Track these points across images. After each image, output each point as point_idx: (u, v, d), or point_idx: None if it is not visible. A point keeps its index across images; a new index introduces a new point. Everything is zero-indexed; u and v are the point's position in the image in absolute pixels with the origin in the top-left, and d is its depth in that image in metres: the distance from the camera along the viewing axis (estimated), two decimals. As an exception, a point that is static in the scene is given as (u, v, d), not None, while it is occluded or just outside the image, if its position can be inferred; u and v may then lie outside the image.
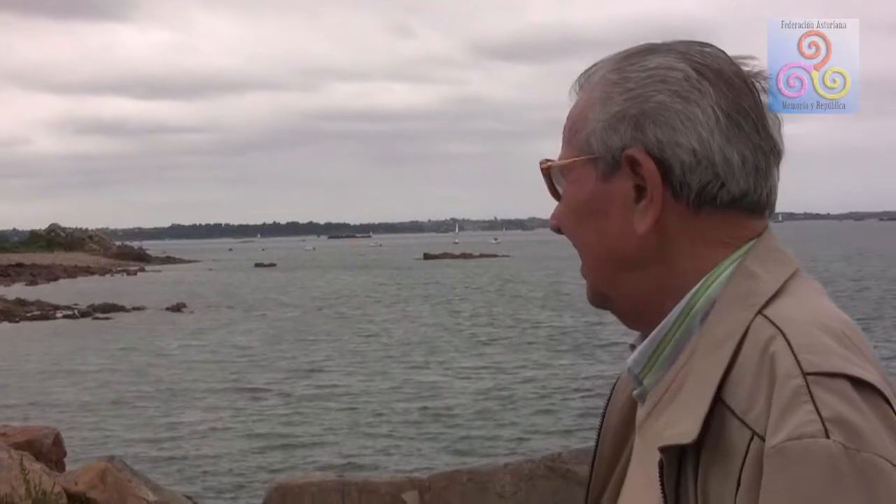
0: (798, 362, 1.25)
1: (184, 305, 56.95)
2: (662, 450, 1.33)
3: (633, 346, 1.56)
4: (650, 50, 1.49)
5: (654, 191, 1.43)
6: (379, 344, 37.22)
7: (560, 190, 1.57)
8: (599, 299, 1.56)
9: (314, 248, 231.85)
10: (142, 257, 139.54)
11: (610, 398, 1.71)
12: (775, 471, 1.21)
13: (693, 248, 1.45)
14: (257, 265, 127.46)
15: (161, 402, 25.12)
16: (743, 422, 1.27)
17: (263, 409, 23.98)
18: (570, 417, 21.88)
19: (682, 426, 1.33)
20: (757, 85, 1.48)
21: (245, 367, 31.69)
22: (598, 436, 1.71)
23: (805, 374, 1.24)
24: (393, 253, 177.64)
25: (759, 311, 1.36)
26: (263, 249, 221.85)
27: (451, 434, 20.59)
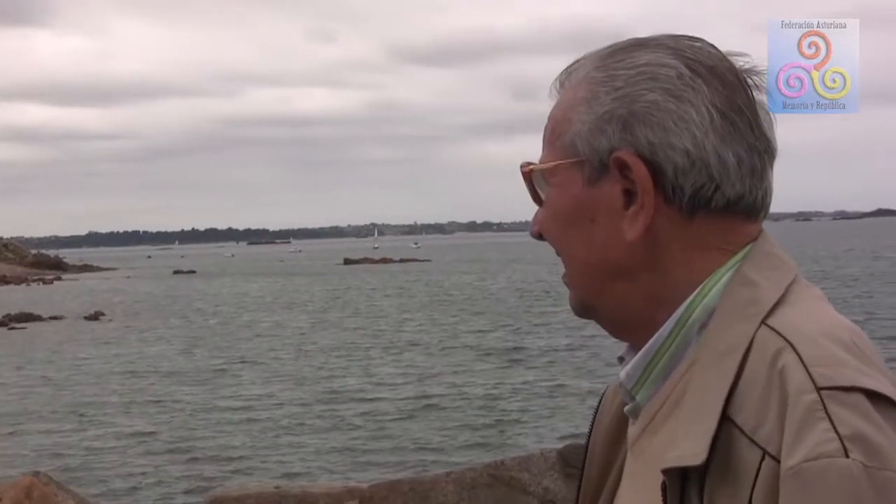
0: (811, 376, 1.18)
1: (102, 314, 56.35)
2: (666, 471, 1.25)
3: (621, 359, 1.49)
4: (637, 45, 1.41)
5: (646, 195, 1.35)
6: (301, 351, 37.00)
7: (542, 195, 1.48)
8: (584, 309, 1.48)
9: (233, 255, 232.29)
10: (59, 266, 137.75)
11: (596, 414, 1.65)
12: (794, 493, 1.14)
13: (686, 256, 1.37)
14: (176, 272, 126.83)
15: (82, 413, 24.71)
16: (752, 440, 1.20)
17: (187, 419, 23.66)
18: (511, 424, 21.86)
19: (688, 447, 1.24)
20: (750, 81, 1.40)
21: (167, 376, 31.32)
22: (585, 454, 1.65)
23: (819, 389, 1.17)
24: (313, 258, 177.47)
25: (763, 322, 1.28)
26: (182, 256, 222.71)
27: (389, 442, 20.49)
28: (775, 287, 1.33)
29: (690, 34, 1.44)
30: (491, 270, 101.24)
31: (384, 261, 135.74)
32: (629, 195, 1.36)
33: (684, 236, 1.36)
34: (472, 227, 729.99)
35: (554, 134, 1.45)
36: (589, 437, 1.64)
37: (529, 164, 1.49)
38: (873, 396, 1.17)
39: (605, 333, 1.49)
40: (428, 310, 54.09)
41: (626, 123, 1.36)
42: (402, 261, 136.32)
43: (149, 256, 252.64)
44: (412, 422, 22.34)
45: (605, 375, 27.26)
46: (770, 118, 1.41)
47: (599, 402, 1.65)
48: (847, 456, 1.12)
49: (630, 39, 1.44)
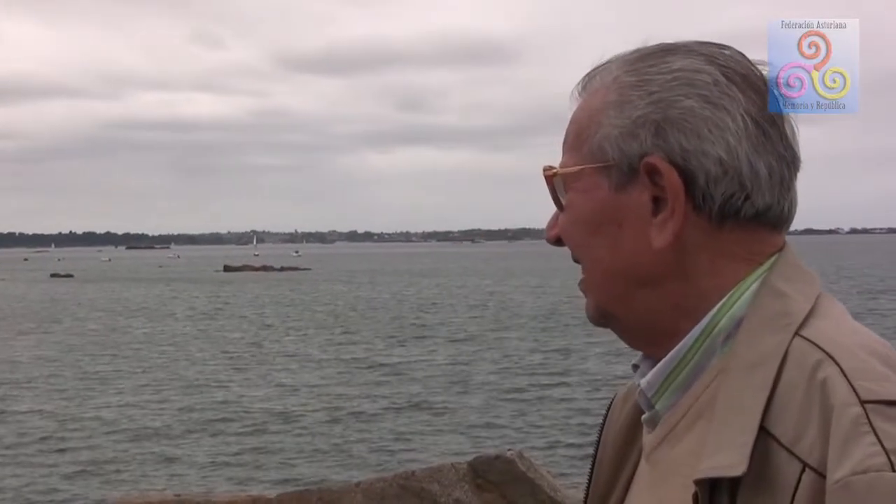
0: (854, 389, 1.17)
1: (-26, 317, 55.06)
2: (699, 482, 1.22)
3: (635, 367, 1.48)
4: (668, 50, 1.40)
5: (676, 203, 1.33)
6: (183, 360, 36.51)
7: (563, 200, 1.45)
8: (602, 317, 1.46)
9: (110, 259, 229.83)
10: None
11: (605, 421, 1.63)
12: None
13: (714, 265, 1.35)
14: (53, 276, 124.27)
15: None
16: (791, 452, 1.18)
17: (75, 427, 23.14)
18: (425, 432, 21.87)
19: (724, 457, 1.22)
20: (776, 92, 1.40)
21: (47, 382, 30.69)
22: (594, 462, 1.63)
23: (863, 403, 1.15)
24: (192, 265, 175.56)
25: (797, 333, 1.26)
26: (60, 260, 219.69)
27: (300, 449, 20.34)
28: (805, 299, 1.32)
29: (718, 42, 1.43)
30: (374, 281, 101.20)
31: (265, 269, 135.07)
32: (658, 202, 1.35)
33: (712, 245, 1.35)
34: (352, 236, 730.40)
35: (578, 137, 1.43)
36: (598, 444, 1.62)
37: (552, 167, 1.47)
38: None
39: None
40: (310, 321, 53.82)
41: (660, 129, 1.35)
42: (282, 269, 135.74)
43: (25, 259, 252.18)
44: (306, 431, 22.20)
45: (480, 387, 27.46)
46: (794, 129, 1.41)
47: (608, 410, 1.63)
48: (894, 470, 1.11)
49: (658, 44, 1.42)
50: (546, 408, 24.00)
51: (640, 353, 1.48)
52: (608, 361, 31.63)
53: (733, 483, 1.21)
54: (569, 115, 1.47)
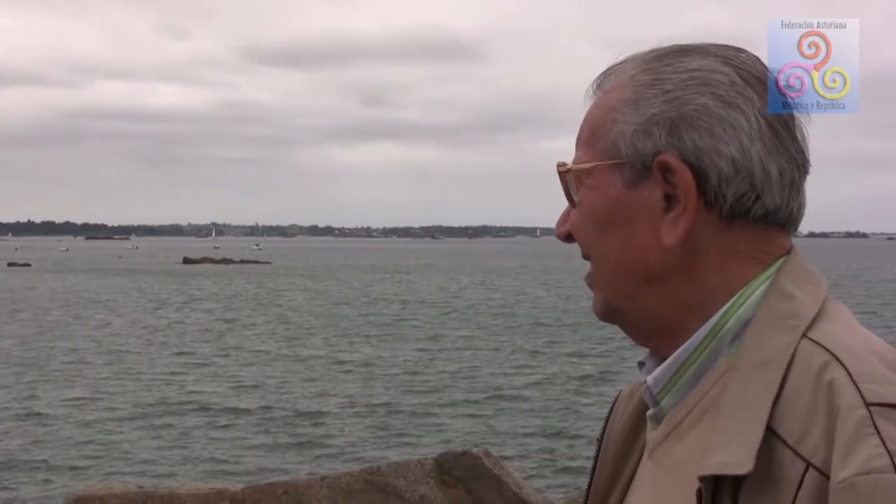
0: (860, 392, 1.18)
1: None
2: (703, 478, 1.24)
3: (641, 364, 1.50)
4: (684, 51, 1.42)
5: (689, 200, 1.35)
6: (146, 351, 36.32)
7: (575, 196, 1.47)
8: (610, 313, 1.48)
9: (67, 249, 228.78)
10: None
11: (609, 417, 1.64)
12: None
13: (723, 264, 1.37)
14: (10, 265, 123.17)
15: None
16: (796, 452, 1.20)
17: (34, 421, 22.94)
18: (389, 426, 21.89)
19: (729, 455, 1.24)
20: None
21: (12, 367, 30.64)
22: (596, 457, 1.64)
23: (868, 405, 1.17)
24: (152, 256, 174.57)
25: (804, 335, 1.28)
26: (17, 249, 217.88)
27: (263, 444, 20.29)
28: (813, 301, 1.34)
29: (735, 45, 1.45)
30: (334, 276, 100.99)
31: (225, 261, 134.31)
32: (669, 199, 1.37)
33: (722, 244, 1.37)
34: (313, 230, 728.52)
35: (594, 135, 1.45)
36: (601, 440, 1.63)
37: (565, 163, 1.48)
38: None
39: (622, 332, 1.47)
40: (271, 315, 53.64)
41: (674, 127, 1.36)
42: (242, 262, 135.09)
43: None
44: (270, 427, 22.14)
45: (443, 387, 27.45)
46: (805, 132, 1.43)
47: (612, 406, 1.64)
48: None
49: (674, 45, 1.44)
50: (513, 408, 24.00)
51: (646, 351, 1.49)
52: (579, 361, 31.70)
53: (737, 481, 1.22)
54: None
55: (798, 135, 1.41)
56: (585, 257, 1.48)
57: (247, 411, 23.80)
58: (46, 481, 17.37)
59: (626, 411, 1.59)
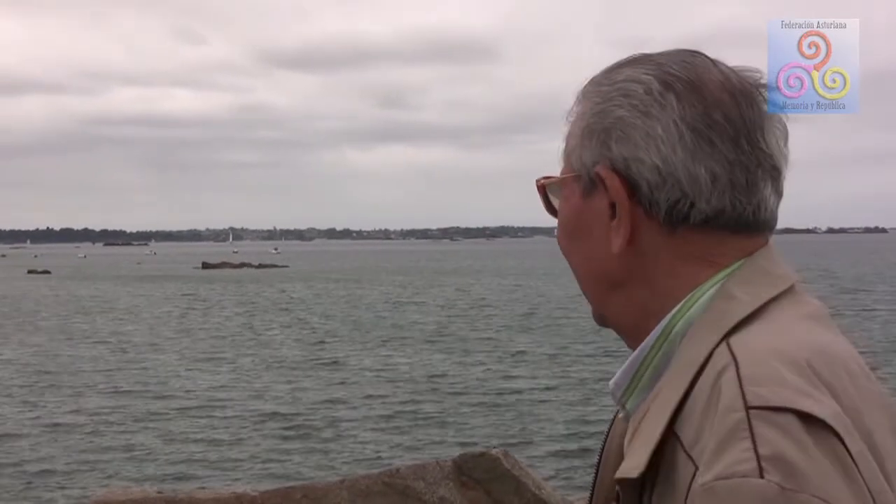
0: (743, 395, 1.17)
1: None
2: (617, 482, 1.29)
3: None
4: (630, 62, 1.46)
5: (622, 208, 1.39)
6: (168, 356, 36.41)
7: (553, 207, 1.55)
8: (600, 319, 1.53)
9: (85, 256, 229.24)
10: None
11: (608, 435, 1.65)
12: None
13: (672, 268, 1.39)
14: (30, 272, 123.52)
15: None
16: (689, 455, 1.20)
17: (56, 425, 22.99)
18: (408, 429, 21.85)
19: (633, 459, 1.28)
20: (757, 96, 1.41)
21: (34, 375, 30.67)
22: (597, 472, 1.65)
23: (748, 408, 1.15)
24: (171, 262, 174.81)
25: (725, 337, 1.29)
26: (36, 256, 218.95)
27: (282, 447, 20.27)
28: (752, 301, 1.33)
29: (695, 49, 1.46)
30: (354, 279, 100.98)
31: (243, 266, 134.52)
32: (614, 208, 1.41)
33: (670, 249, 1.39)
34: (331, 234, 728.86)
35: (565, 149, 1.51)
36: (601, 451, 1.65)
37: (544, 178, 1.55)
38: (807, 419, 1.15)
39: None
40: (290, 319, 53.66)
41: (603, 139, 1.41)
42: (261, 266, 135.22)
43: (3, 255, 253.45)
44: (290, 430, 22.11)
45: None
46: (781, 131, 1.43)
47: (612, 422, 1.65)
48: (762, 476, 1.10)
49: (632, 55, 1.47)
50: (533, 410, 23.94)
51: None
52: (599, 363, 31.58)
53: (643, 484, 1.26)
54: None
55: (762, 134, 1.40)
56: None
57: (266, 415, 23.81)
58: (66, 486, 17.42)
59: (621, 426, 1.59)
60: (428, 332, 43.73)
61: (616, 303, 1.46)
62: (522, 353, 35.13)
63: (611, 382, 1.46)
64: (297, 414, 23.89)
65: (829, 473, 1.12)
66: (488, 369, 31.24)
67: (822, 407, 1.17)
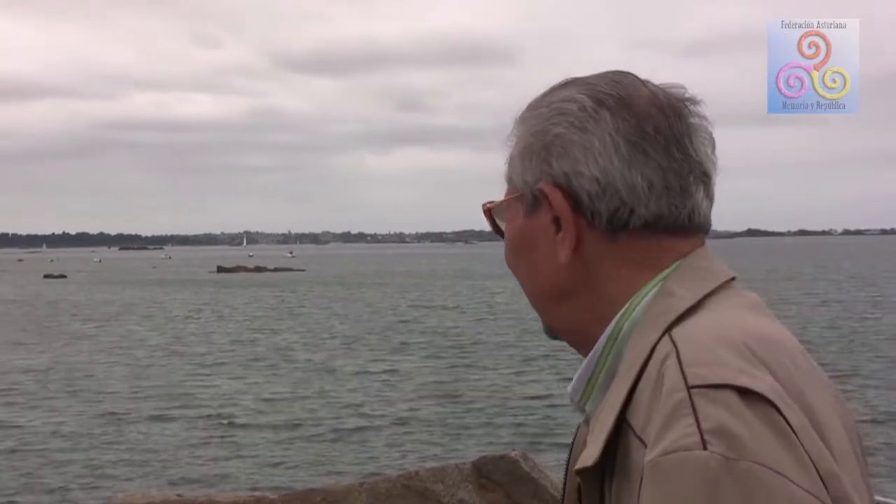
0: (684, 376, 1.24)
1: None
2: (577, 473, 1.35)
3: None
4: (563, 85, 1.53)
5: (566, 221, 1.45)
6: (188, 360, 36.44)
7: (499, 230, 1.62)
8: (550, 331, 1.59)
9: (100, 260, 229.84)
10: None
11: (573, 445, 1.70)
12: (650, 485, 1.19)
13: (617, 273, 1.46)
14: (47, 276, 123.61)
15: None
16: (640, 439, 1.27)
17: (76, 429, 23.07)
18: (427, 433, 21.83)
19: (589, 450, 1.34)
20: (683, 109, 1.48)
21: (52, 380, 30.78)
22: (565, 480, 1.68)
23: (689, 388, 1.22)
24: (186, 266, 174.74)
25: (667, 330, 1.35)
26: (52, 260, 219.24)
27: (301, 451, 20.26)
28: (691, 296, 1.40)
29: (623, 70, 1.54)
30: (369, 284, 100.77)
31: (258, 269, 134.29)
32: (558, 222, 1.47)
33: (612, 255, 1.46)
34: (346, 237, 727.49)
35: (507, 172, 1.58)
36: (568, 461, 1.68)
37: (490, 202, 1.62)
38: (745, 393, 1.21)
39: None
40: (309, 324, 53.62)
41: (543, 157, 1.48)
42: (276, 270, 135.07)
43: (20, 260, 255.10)
44: (309, 433, 22.13)
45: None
46: (708, 140, 1.50)
47: (576, 433, 1.70)
48: (705, 448, 1.16)
49: (565, 79, 1.55)
50: (552, 413, 23.85)
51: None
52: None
53: (607, 471, 1.32)
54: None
55: (691, 142, 1.47)
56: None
57: (285, 419, 23.81)
58: (85, 490, 17.44)
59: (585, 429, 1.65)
60: (447, 335, 43.60)
61: (565, 313, 1.51)
62: (544, 356, 35.02)
63: (569, 388, 1.51)
64: (316, 418, 23.89)
65: (770, 442, 1.18)
66: (508, 372, 31.14)
67: (760, 382, 1.23)
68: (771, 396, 1.22)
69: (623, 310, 1.44)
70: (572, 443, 1.68)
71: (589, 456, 1.32)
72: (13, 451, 20.58)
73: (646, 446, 1.23)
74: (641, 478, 1.22)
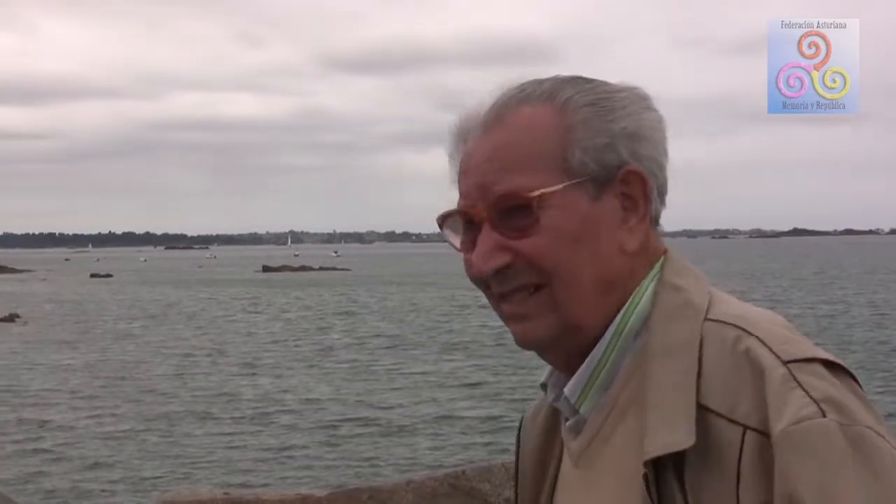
0: (775, 353, 1.30)
1: (17, 316, 55.13)
2: (647, 463, 1.30)
3: (543, 386, 1.60)
4: (581, 78, 1.49)
5: (643, 208, 1.45)
6: (244, 364, 36.60)
7: (523, 222, 1.42)
8: (562, 333, 1.46)
9: (145, 260, 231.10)
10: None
11: (519, 442, 1.72)
12: (786, 454, 1.23)
13: (634, 266, 1.47)
14: (93, 276, 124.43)
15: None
16: (730, 419, 1.29)
17: (128, 425, 23.39)
18: (473, 432, 21.87)
19: (667, 436, 1.30)
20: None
21: (100, 379, 31.02)
22: (516, 482, 1.72)
23: (786, 363, 1.29)
24: (232, 265, 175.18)
25: (706, 318, 1.38)
26: (98, 260, 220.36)
27: (347, 449, 20.36)
28: (701, 290, 1.45)
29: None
30: (416, 283, 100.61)
31: (304, 269, 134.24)
32: (626, 210, 1.47)
33: (644, 248, 1.50)
34: (390, 237, 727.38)
35: (535, 159, 1.48)
36: (517, 464, 1.71)
37: (540, 190, 1.47)
38: (830, 365, 1.32)
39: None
40: (355, 323, 53.64)
41: (634, 141, 1.46)
42: (321, 269, 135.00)
43: (67, 259, 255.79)
44: (384, 430, 22.30)
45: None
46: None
47: (519, 430, 1.73)
48: (824, 416, 1.25)
49: (553, 76, 1.51)
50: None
51: (546, 372, 1.59)
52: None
53: (679, 459, 1.30)
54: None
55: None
56: (538, 286, 1.45)
57: (331, 418, 23.91)
58: (134, 487, 17.65)
59: (533, 434, 1.68)
60: (491, 335, 43.52)
61: (604, 306, 1.44)
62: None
63: (566, 389, 1.48)
64: (363, 416, 23.98)
65: (861, 406, 1.29)
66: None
67: (832, 355, 1.34)
68: (846, 366, 1.33)
69: (628, 304, 1.44)
70: (517, 455, 1.72)
71: (678, 441, 1.28)
72: (61, 451, 20.76)
73: (741, 425, 1.28)
74: (740, 455, 1.27)
